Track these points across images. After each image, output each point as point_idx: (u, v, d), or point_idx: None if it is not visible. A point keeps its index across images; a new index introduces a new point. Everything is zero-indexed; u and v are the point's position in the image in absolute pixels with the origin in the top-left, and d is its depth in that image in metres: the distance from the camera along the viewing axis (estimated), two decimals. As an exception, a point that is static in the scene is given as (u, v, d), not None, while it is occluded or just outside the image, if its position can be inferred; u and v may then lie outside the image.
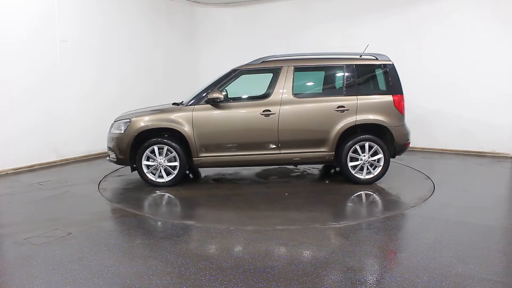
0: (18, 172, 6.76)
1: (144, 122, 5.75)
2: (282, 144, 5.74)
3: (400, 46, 8.40)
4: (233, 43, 10.48)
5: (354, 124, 5.67)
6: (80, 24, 7.75)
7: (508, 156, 7.85)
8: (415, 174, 6.52)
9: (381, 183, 5.79)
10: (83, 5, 7.79)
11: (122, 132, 5.80)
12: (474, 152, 8.18)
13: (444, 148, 8.51)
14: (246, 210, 4.92)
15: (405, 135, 5.83)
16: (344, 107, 5.68)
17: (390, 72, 5.80)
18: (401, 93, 5.77)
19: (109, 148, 6.02)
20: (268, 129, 5.70)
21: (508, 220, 4.58)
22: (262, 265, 3.33)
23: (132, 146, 5.76)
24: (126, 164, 5.94)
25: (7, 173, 6.65)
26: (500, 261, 3.40)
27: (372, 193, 5.47)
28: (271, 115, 5.69)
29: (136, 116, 5.87)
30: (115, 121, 6.09)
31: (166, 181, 5.80)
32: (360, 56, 6.03)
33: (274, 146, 5.75)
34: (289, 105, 5.73)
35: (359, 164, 5.74)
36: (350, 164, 5.74)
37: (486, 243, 3.75)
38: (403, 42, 8.54)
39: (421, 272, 3.17)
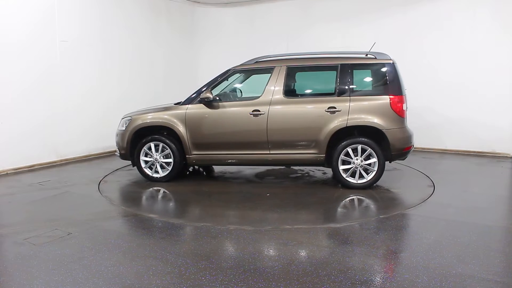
0: (18, 172, 6.75)
1: (141, 120, 6.05)
2: (271, 144, 5.69)
3: (400, 46, 8.38)
4: (233, 43, 10.48)
5: (345, 125, 5.42)
6: (80, 24, 7.74)
7: (508, 156, 7.85)
8: (415, 174, 6.52)
9: (381, 183, 5.78)
10: (83, 5, 7.79)
11: (124, 129, 6.09)
12: (474, 152, 8.18)
13: (444, 148, 8.51)
14: (214, 208, 5.01)
15: (404, 139, 5.46)
16: (335, 108, 5.46)
17: (388, 72, 5.48)
18: (400, 94, 5.43)
19: (116, 144, 6.31)
20: (257, 129, 5.67)
21: (508, 220, 4.59)
22: (262, 265, 3.34)
23: (131, 142, 6.04)
24: (128, 159, 6.18)
25: (7, 173, 6.64)
26: (500, 261, 3.40)
27: (360, 197, 5.25)
28: (260, 115, 5.66)
29: (136, 114, 6.16)
30: (122, 119, 6.34)
31: (161, 177, 6.03)
32: (366, 55, 5.80)
33: (263, 147, 5.71)
34: (279, 105, 5.66)
35: (352, 167, 5.50)
36: (342, 167, 5.52)
37: (486, 243, 3.75)
38: (404, 42, 8.53)
39: (421, 272, 3.17)
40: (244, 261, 3.42)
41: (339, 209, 4.95)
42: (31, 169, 6.97)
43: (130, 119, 6.09)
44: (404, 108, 5.47)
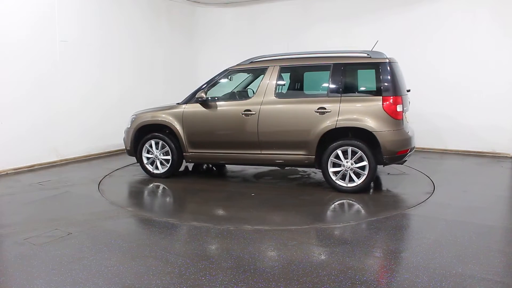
0: (18, 172, 6.75)
1: (143, 118, 6.29)
2: (262, 144, 5.67)
3: (400, 46, 8.36)
4: (233, 43, 10.47)
5: (334, 127, 5.24)
6: (80, 24, 7.74)
7: (508, 156, 7.84)
8: (415, 174, 6.51)
9: (379, 183, 5.77)
10: (83, 5, 7.79)
11: (129, 126, 6.39)
12: (474, 152, 8.18)
13: (444, 148, 8.51)
14: (190, 204, 5.26)
15: (398, 142, 5.17)
16: (325, 108, 5.30)
17: (382, 71, 5.20)
18: (395, 94, 5.14)
19: (123, 141, 6.60)
20: (248, 129, 5.68)
21: (508, 220, 4.59)
22: (262, 265, 3.34)
23: (135, 140, 6.31)
24: (133, 155, 6.45)
25: (7, 173, 6.64)
26: (500, 261, 3.40)
27: (349, 200, 5.11)
28: (251, 115, 5.66)
29: (141, 113, 6.41)
30: (130, 116, 6.55)
31: (161, 173, 6.27)
32: (368, 55, 5.57)
33: (255, 146, 5.71)
34: (270, 105, 5.62)
35: (341, 170, 5.30)
36: (332, 169, 5.33)
37: (486, 243, 3.75)
38: (404, 42, 8.52)
39: (421, 272, 3.17)
40: (244, 261, 3.42)
41: (319, 212, 4.88)
42: (31, 169, 6.97)
43: (135, 117, 6.34)
44: (399, 109, 5.18)
